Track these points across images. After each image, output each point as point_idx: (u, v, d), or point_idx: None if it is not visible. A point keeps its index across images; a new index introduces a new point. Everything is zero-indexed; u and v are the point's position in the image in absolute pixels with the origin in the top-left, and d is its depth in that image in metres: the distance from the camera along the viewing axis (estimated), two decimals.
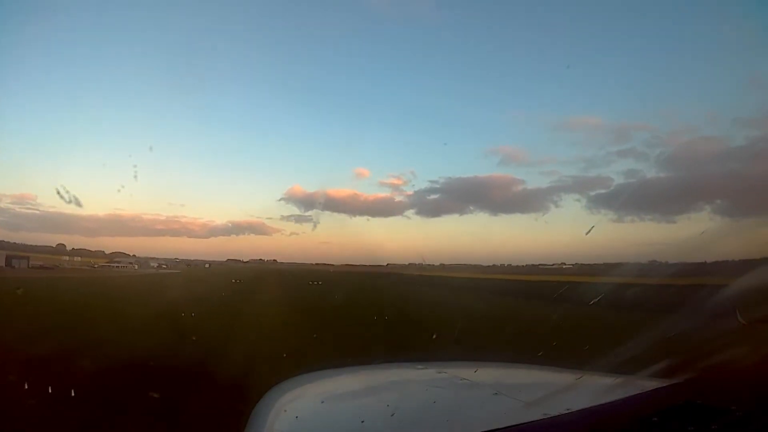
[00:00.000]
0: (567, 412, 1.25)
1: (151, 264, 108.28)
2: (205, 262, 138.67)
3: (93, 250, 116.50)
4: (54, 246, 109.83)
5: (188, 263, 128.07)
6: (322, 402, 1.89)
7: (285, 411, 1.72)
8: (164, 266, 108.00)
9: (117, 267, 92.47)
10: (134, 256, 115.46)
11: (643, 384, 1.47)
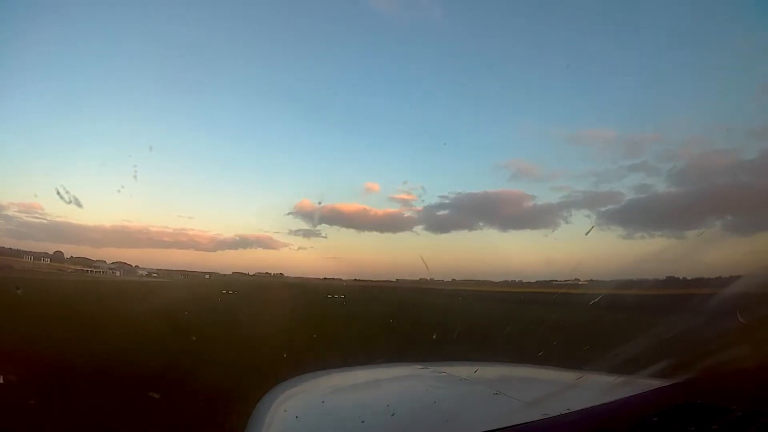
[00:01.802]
0: (567, 412, 1.25)
1: (139, 272, 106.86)
2: (205, 273, 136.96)
3: (94, 259, 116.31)
4: (51, 253, 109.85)
5: (184, 274, 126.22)
6: (323, 402, 1.88)
7: (285, 411, 1.72)
8: (154, 275, 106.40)
9: (90, 272, 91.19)
10: (136, 266, 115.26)
11: (643, 384, 1.48)
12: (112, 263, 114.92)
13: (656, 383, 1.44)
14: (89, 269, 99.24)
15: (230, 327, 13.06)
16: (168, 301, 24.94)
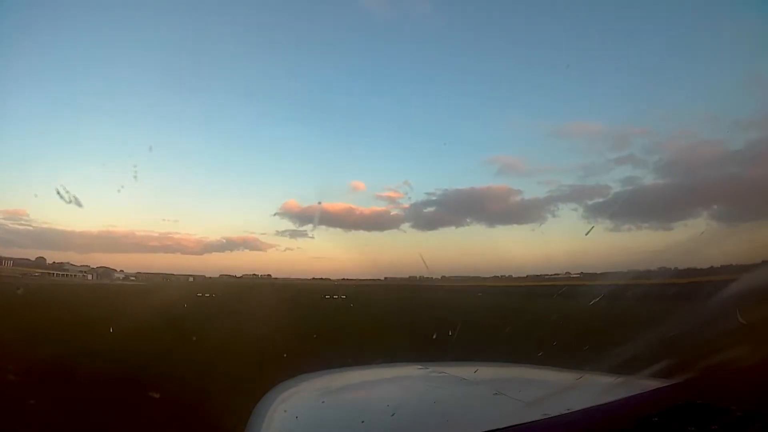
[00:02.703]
0: (567, 412, 1.25)
1: (115, 276, 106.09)
2: (189, 276, 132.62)
3: (78, 264, 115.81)
4: (33, 259, 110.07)
5: (166, 277, 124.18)
6: (322, 402, 1.89)
7: (285, 411, 1.72)
8: (132, 278, 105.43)
9: (57, 276, 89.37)
10: (121, 270, 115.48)
11: (643, 384, 1.48)
12: (94, 267, 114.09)
13: (656, 383, 1.44)
14: (56, 273, 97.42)
15: (173, 347, 8.61)
16: (118, 306, 20.58)
